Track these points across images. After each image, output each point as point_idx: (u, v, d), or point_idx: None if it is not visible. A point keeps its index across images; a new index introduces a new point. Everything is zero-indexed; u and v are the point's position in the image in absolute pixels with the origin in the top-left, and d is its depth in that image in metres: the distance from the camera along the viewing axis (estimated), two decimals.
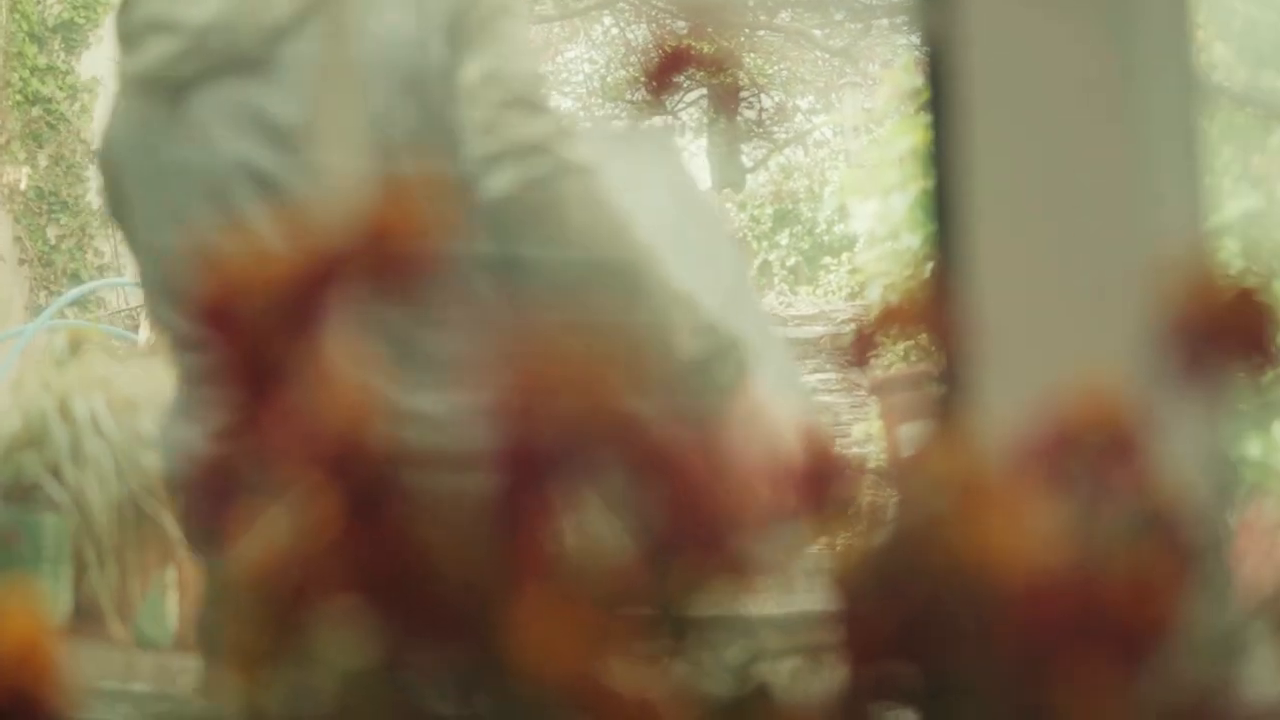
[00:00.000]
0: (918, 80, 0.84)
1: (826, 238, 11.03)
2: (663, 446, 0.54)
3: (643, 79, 0.65)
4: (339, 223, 0.55)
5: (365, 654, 0.55)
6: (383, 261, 0.54)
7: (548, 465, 0.54)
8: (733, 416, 1.70)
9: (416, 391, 1.25)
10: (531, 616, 0.53)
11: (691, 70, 0.67)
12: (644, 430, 0.54)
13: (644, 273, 1.67)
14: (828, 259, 10.85)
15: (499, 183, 1.63)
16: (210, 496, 0.58)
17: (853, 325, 0.64)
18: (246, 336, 0.55)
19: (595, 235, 1.65)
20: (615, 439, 0.54)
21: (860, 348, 0.60)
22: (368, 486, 0.53)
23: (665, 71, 0.66)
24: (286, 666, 0.55)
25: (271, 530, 0.55)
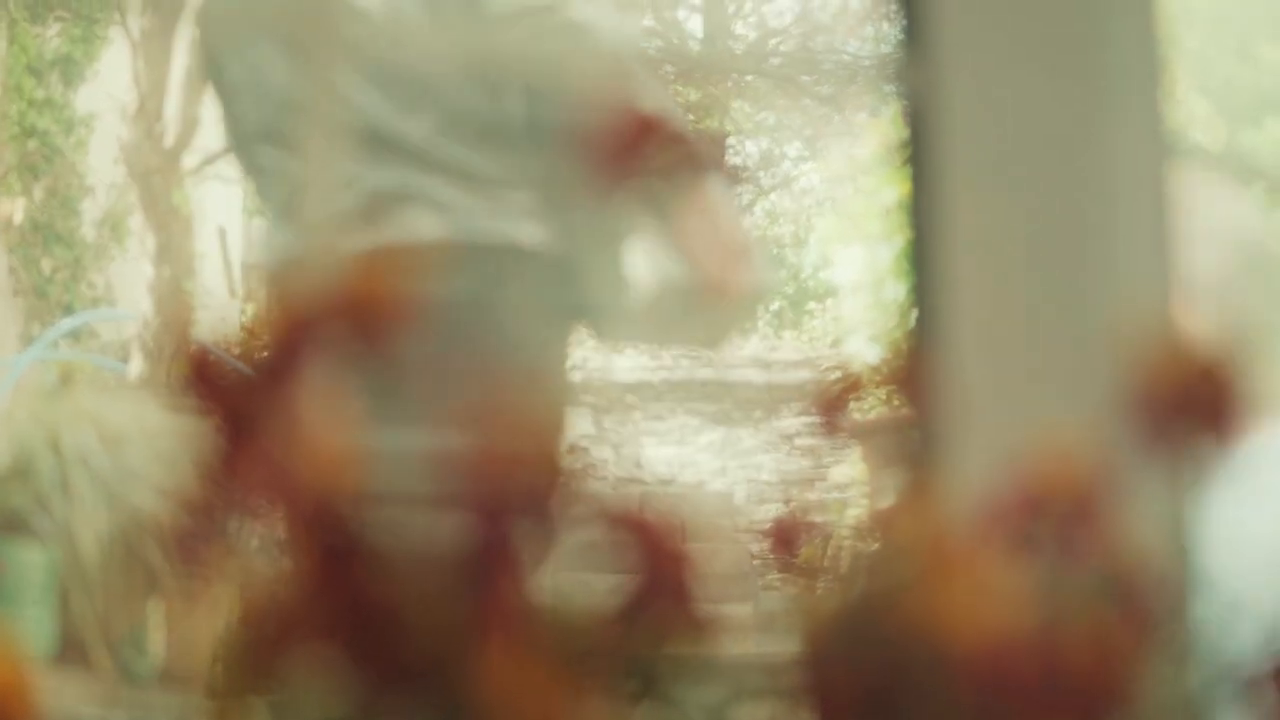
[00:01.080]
0: (901, 132, 0.84)
1: (811, 283, 11.04)
2: (629, 500, 0.55)
3: (605, 154, 0.66)
4: (318, 280, 0.56)
5: (338, 702, 0.55)
6: (360, 320, 0.55)
7: (516, 517, 0.55)
8: (690, 209, 1.90)
9: (390, 430, 1.29)
10: (499, 666, 0.53)
11: (659, 140, 0.68)
12: (610, 483, 0.55)
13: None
14: (812, 304, 10.86)
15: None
16: (192, 540, 0.59)
17: (827, 383, 0.64)
18: (227, 390, 0.56)
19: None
20: (582, 492, 0.55)
21: (832, 408, 0.61)
22: (340, 538, 0.54)
23: (630, 145, 0.67)
24: (259, 713, 0.56)
25: (248, 577, 0.56)
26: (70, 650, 2.20)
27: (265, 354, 0.56)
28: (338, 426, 0.56)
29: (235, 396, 0.57)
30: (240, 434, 0.57)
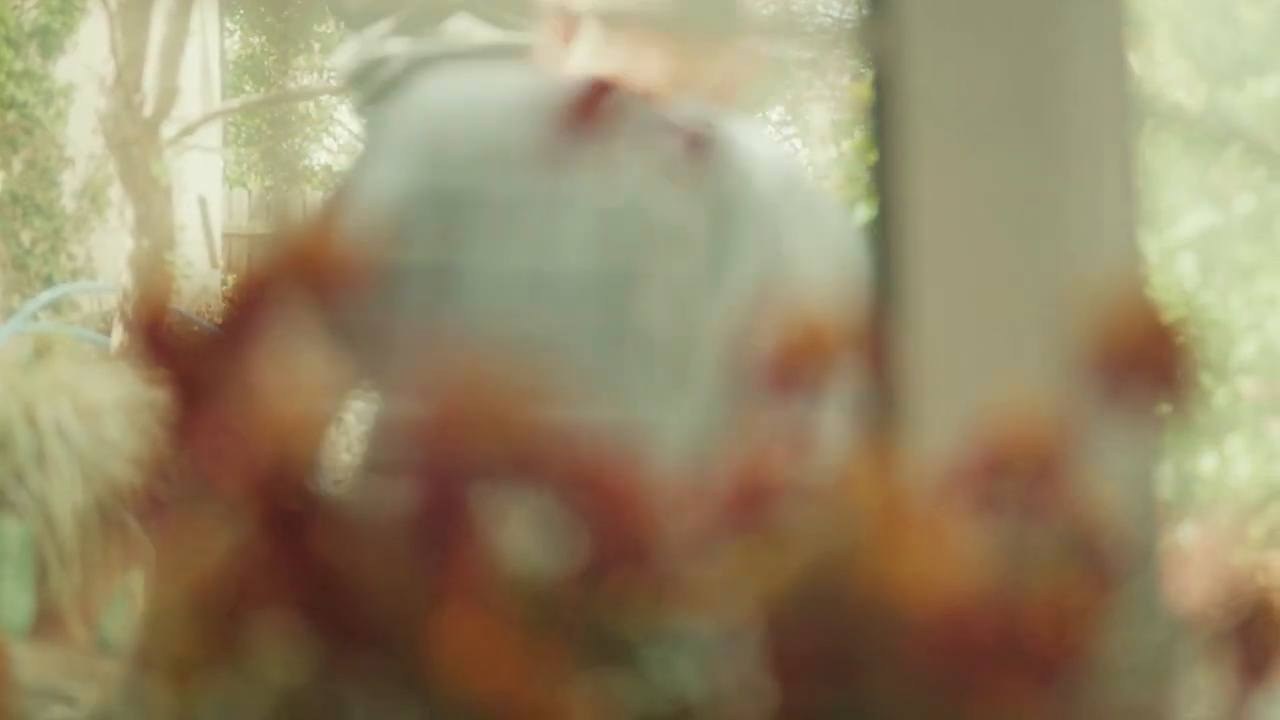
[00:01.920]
0: (868, 96, 0.84)
1: None
2: (588, 463, 0.55)
3: (569, 114, 0.66)
4: (273, 241, 0.55)
5: (297, 669, 0.55)
6: (315, 280, 0.55)
7: (472, 481, 0.54)
8: None
9: (350, 394, 1.31)
10: (457, 632, 0.53)
11: (621, 97, 0.67)
12: (569, 446, 0.55)
13: None
14: None
15: None
16: (149, 506, 0.59)
17: (788, 339, 0.64)
18: (181, 354, 0.55)
19: None
20: (540, 455, 0.54)
21: (782, 373, 0.60)
22: (296, 503, 0.54)
23: (592, 102, 0.67)
24: (219, 680, 0.56)
25: (204, 543, 0.56)
26: (47, 623, 2.20)
27: (223, 316, 0.56)
28: (296, 390, 0.56)
29: (190, 360, 0.56)
30: (195, 398, 0.56)
